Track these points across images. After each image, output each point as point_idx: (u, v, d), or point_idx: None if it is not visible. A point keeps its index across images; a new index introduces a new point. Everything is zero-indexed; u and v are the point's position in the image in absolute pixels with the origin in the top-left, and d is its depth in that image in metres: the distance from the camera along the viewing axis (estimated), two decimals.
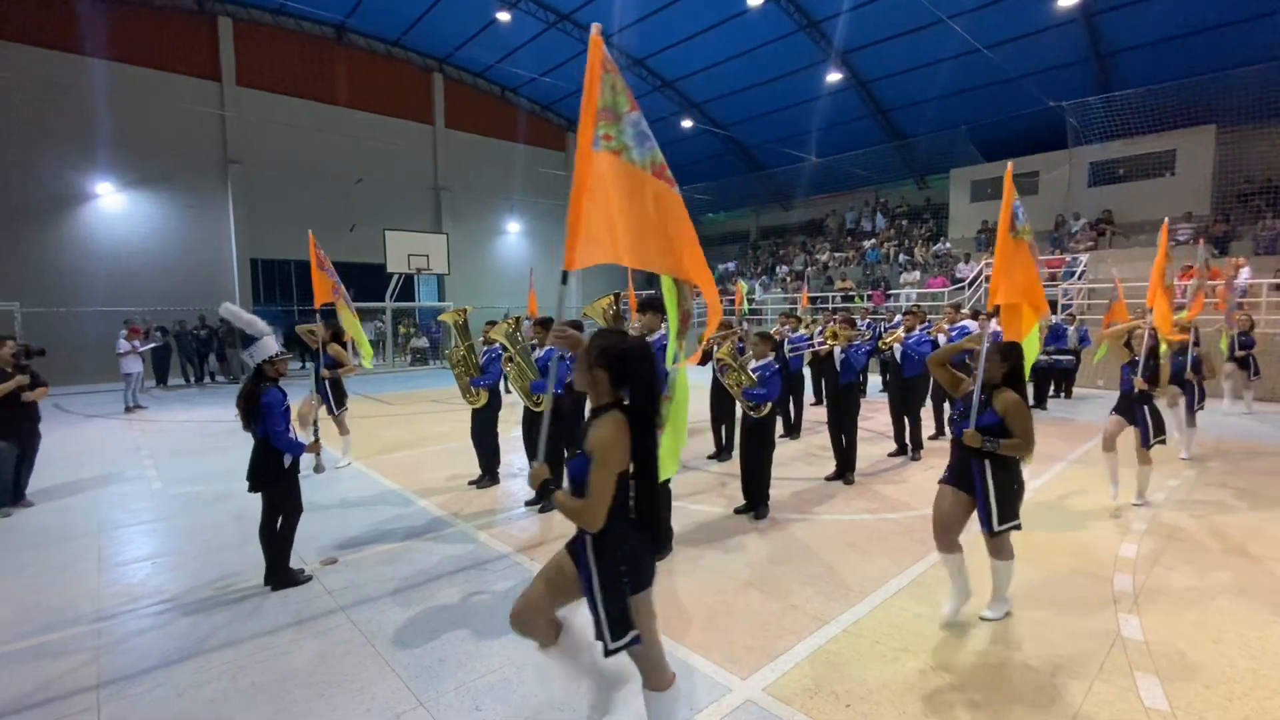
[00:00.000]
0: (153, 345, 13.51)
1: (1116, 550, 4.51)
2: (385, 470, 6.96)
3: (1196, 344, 6.99)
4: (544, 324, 5.64)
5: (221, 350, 16.26)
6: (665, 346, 4.35)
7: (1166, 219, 5.58)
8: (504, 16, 18.09)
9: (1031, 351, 4.00)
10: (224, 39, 17.93)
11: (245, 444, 8.36)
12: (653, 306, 4.45)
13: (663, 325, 4.49)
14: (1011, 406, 3.33)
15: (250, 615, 3.63)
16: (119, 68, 16.26)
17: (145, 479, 6.75)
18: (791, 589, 3.89)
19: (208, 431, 9.50)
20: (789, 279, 21.58)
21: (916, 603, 3.72)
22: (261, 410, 3.69)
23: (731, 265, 25.59)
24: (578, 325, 6.07)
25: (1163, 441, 5.33)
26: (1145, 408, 5.26)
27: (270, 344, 3.80)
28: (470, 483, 6.31)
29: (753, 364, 5.20)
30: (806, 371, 9.11)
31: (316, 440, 4.30)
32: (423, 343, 20.56)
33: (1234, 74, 14.05)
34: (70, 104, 15.62)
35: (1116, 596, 3.80)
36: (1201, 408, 7.23)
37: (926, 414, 7.69)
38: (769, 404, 4.95)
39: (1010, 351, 3.45)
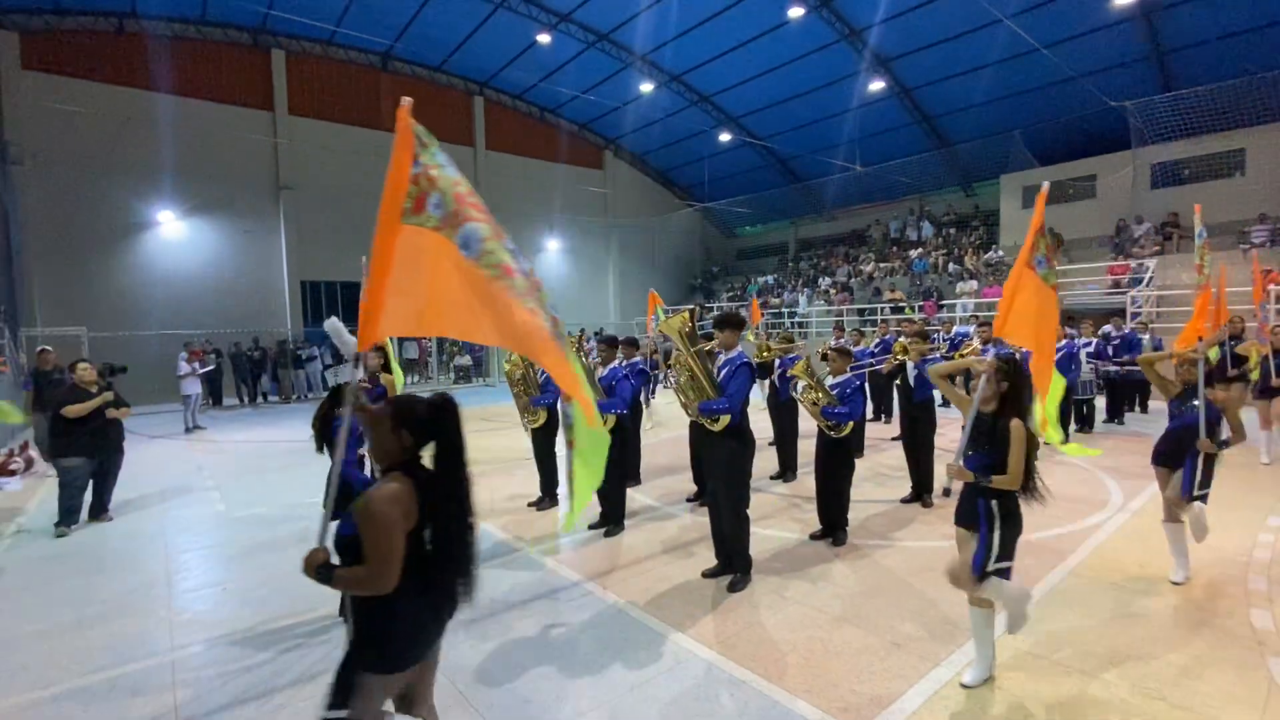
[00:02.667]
0: (210, 368, 13.86)
1: (1245, 583, 4.09)
2: None
3: (1209, 384, 4.06)
4: (610, 343, 5.49)
5: (274, 371, 16.59)
6: (747, 364, 4.16)
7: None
8: (544, 39, 18.34)
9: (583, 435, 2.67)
10: (277, 70, 18.59)
11: (303, 464, 8.40)
12: (730, 323, 4.25)
13: (739, 344, 4.28)
14: (363, 513, 1.83)
15: (323, 646, 3.51)
16: (180, 101, 16.95)
17: (209, 500, 6.79)
18: (891, 625, 3.60)
19: (266, 452, 9.61)
20: (834, 290, 21.15)
21: (1034, 644, 3.39)
22: (335, 433, 3.58)
23: (770, 278, 25.25)
24: (613, 341, 5.79)
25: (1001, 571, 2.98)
26: (986, 502, 2.95)
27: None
28: (530, 504, 6.16)
29: (829, 381, 4.95)
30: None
31: None
32: (465, 360, 20.72)
33: None
34: (135, 136, 16.32)
35: (1260, 637, 3.41)
36: (1205, 493, 4.03)
37: None
38: (850, 423, 4.68)
39: (405, 414, 2.03)
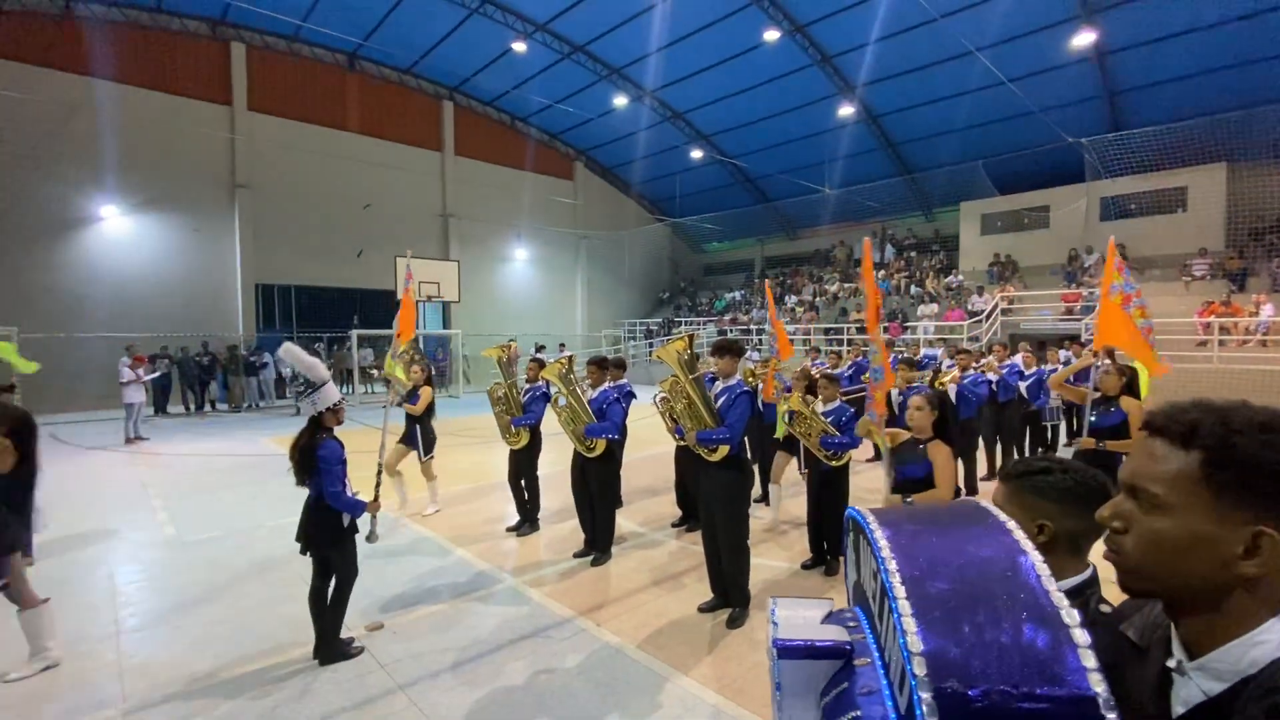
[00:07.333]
0: (157, 374, 13.05)
1: None
2: (413, 513, 6.55)
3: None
4: (599, 364, 5.33)
5: (224, 378, 15.78)
6: (746, 392, 4.07)
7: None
8: (519, 47, 18.14)
9: None
10: (236, 64, 17.85)
11: (257, 481, 7.95)
12: (730, 351, 4.15)
13: (738, 371, 4.18)
14: None
15: (299, 698, 3.22)
16: (129, 90, 16.09)
17: (156, 524, 6.30)
18: None
19: (216, 466, 9.05)
20: (800, 308, 21.43)
21: None
22: (318, 464, 3.32)
23: (738, 294, 25.47)
24: (603, 363, 5.51)
25: None
26: None
27: (333, 391, 3.45)
28: (509, 529, 5.91)
29: (821, 408, 4.89)
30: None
31: (377, 499, 3.89)
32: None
33: (1244, 114, 14.19)
34: (79, 126, 15.39)
35: None
36: None
37: (979, 455, 7.39)
38: (850, 452, 4.63)
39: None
